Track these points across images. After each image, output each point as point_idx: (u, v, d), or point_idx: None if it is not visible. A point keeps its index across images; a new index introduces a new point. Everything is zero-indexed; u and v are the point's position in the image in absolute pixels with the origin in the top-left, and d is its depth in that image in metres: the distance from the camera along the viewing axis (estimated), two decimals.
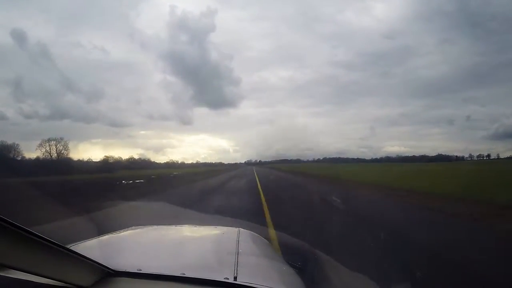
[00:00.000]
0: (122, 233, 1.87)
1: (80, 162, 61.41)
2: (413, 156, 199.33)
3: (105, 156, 75.45)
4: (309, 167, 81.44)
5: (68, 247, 0.90)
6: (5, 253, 0.68)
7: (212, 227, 2.27)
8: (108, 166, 60.93)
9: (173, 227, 2.27)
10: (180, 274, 1.07)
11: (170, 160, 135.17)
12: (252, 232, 2.01)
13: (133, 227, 2.02)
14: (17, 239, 0.69)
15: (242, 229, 1.95)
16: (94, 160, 68.17)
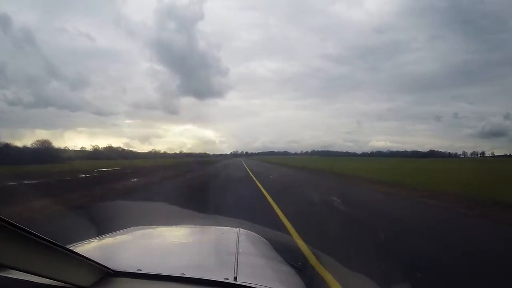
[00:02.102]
0: (122, 233, 1.87)
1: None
2: (405, 151, 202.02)
3: (37, 140, 59.72)
4: (309, 162, 71.80)
5: (68, 247, 0.90)
6: (5, 253, 0.68)
7: (212, 227, 2.27)
8: (44, 154, 45.80)
9: (173, 227, 2.27)
10: (180, 274, 1.07)
11: (153, 150, 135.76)
12: (252, 232, 2.01)
13: (133, 227, 2.02)
14: (17, 239, 0.69)
15: (242, 229, 1.95)
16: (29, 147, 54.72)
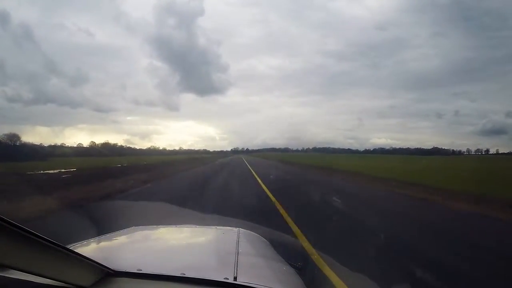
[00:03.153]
0: (122, 233, 1.87)
1: None
2: (408, 148, 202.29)
3: (3, 134, 54.86)
4: (315, 159, 66.30)
5: (68, 247, 0.90)
6: (5, 253, 0.68)
7: (212, 227, 2.27)
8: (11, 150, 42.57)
9: (173, 227, 2.27)
10: (180, 274, 1.07)
11: (151, 146, 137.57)
12: (252, 232, 2.01)
13: (133, 227, 2.02)
14: (17, 239, 0.70)
15: (242, 229, 1.95)
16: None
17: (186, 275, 1.07)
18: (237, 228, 1.94)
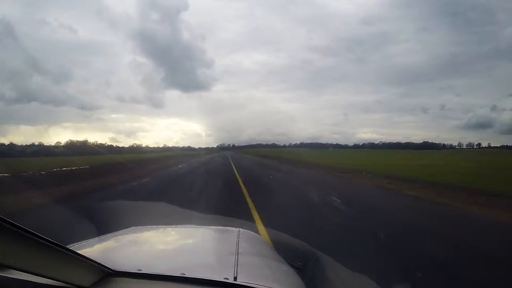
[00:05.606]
0: (122, 233, 1.87)
1: None
2: (398, 142, 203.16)
3: None
4: (317, 156, 55.80)
5: (68, 247, 0.90)
6: (5, 253, 0.68)
7: (212, 227, 2.28)
8: None
9: (173, 227, 2.27)
10: (180, 274, 1.07)
11: (134, 144, 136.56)
12: (252, 232, 2.01)
13: (133, 227, 2.02)
14: (17, 239, 0.70)
15: (242, 229, 1.95)
16: None
17: (186, 275, 1.07)
18: (237, 228, 1.94)
